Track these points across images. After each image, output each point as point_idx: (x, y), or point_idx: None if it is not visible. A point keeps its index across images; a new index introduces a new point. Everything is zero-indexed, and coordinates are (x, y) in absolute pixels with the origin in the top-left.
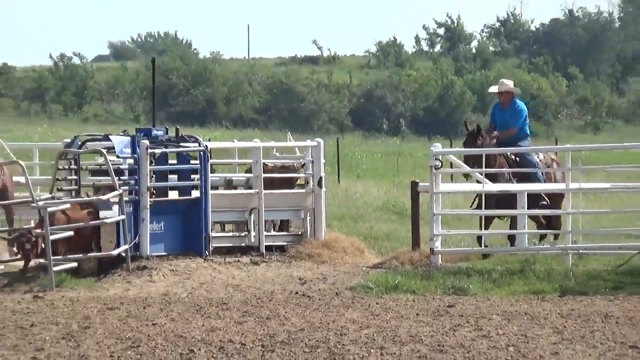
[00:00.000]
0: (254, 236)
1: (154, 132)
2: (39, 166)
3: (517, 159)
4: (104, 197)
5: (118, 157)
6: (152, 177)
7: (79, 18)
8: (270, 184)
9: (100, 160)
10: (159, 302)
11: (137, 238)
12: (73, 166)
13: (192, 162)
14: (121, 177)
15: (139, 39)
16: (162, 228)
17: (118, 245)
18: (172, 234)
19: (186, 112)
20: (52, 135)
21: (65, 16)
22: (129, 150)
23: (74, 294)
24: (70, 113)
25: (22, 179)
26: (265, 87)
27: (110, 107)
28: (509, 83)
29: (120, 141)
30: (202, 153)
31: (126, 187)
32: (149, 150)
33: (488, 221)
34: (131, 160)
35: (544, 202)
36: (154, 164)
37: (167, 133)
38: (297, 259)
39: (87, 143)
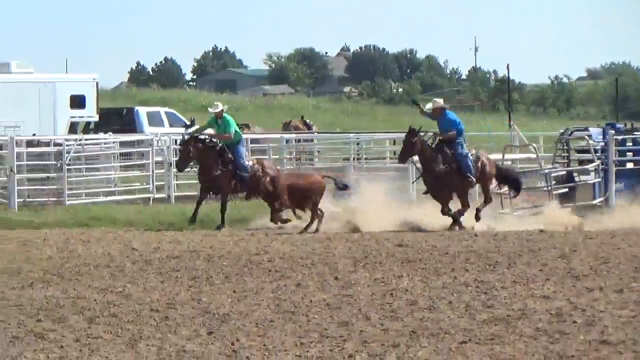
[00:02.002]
0: None
1: (617, 126)
2: (543, 147)
3: (453, 152)
4: (584, 167)
5: (594, 141)
6: (616, 154)
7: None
8: None
9: (583, 143)
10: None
11: (606, 193)
12: (565, 147)
13: None
14: (596, 154)
15: (612, 66)
16: (623, 187)
17: (594, 198)
18: (629, 191)
19: None
20: (550, 127)
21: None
22: (600, 137)
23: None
24: (562, 114)
25: (533, 156)
26: None
27: (587, 109)
28: (440, 101)
29: (595, 131)
30: None
31: (599, 161)
32: (614, 137)
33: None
34: (602, 144)
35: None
36: (617, 146)
37: (625, 126)
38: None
39: (574, 133)
